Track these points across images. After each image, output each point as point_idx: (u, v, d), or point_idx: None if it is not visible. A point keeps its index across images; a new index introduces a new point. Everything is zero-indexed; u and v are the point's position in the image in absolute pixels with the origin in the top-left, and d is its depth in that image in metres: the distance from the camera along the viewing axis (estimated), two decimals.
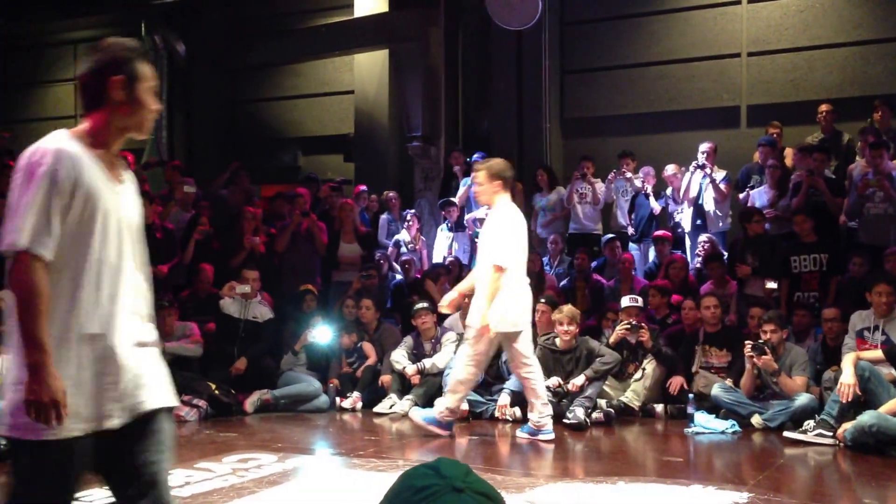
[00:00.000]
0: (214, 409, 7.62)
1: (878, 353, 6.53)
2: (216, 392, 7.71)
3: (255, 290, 8.48)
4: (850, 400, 6.24)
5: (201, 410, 7.53)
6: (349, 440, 6.97)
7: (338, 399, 8.14)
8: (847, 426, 6.12)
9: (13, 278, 2.46)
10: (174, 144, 14.56)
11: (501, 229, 6.38)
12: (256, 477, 5.32)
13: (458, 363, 6.73)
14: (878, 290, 6.97)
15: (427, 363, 7.96)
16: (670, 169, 10.12)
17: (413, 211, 10.92)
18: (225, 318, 8.38)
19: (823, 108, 9.86)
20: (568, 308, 7.52)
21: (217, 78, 14.53)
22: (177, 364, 7.88)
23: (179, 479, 5.23)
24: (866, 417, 6.01)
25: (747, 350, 7.03)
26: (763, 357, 6.92)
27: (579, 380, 7.24)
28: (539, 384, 6.57)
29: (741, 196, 9.76)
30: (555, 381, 7.31)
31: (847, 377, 6.23)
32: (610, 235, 10.01)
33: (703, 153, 9.63)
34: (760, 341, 7.01)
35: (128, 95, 2.62)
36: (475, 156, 10.97)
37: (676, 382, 7.56)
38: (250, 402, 7.87)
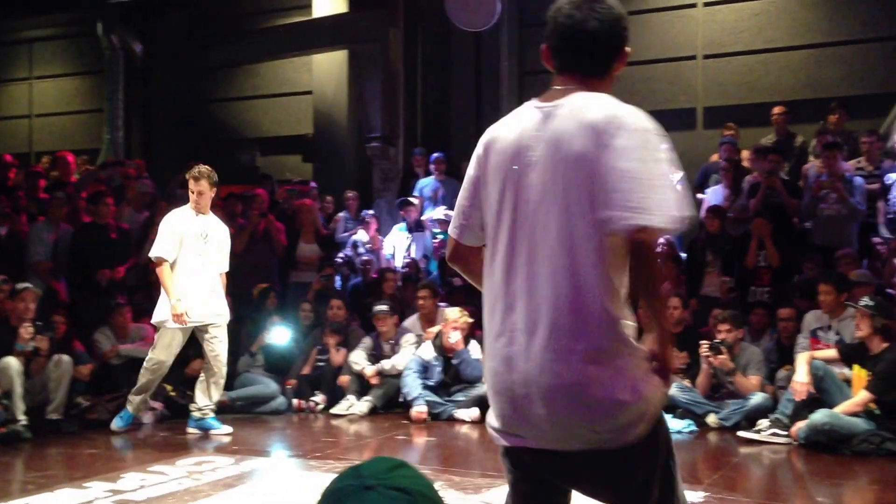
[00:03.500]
0: (170, 411, 7.54)
1: (831, 353, 6.63)
2: (172, 394, 7.62)
3: None
4: (804, 399, 6.32)
5: (157, 412, 7.44)
6: (306, 442, 6.91)
7: (295, 401, 8.06)
8: (801, 425, 6.21)
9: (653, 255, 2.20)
10: (131, 145, 14.38)
11: None
12: (212, 480, 5.26)
13: None
14: (821, 290, 7.13)
15: (386, 364, 7.93)
16: None
17: (371, 211, 10.88)
18: None
19: (777, 110, 9.99)
20: None
21: (175, 78, 14.37)
22: (132, 366, 7.79)
23: (133, 483, 5.16)
24: (819, 416, 6.10)
25: (704, 350, 7.11)
26: (719, 357, 6.99)
27: None
28: None
29: (699, 196, 9.83)
30: None
31: (801, 376, 6.32)
32: None
33: None
34: (716, 340, 7.08)
35: None
36: (433, 156, 10.99)
37: None
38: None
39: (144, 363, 6.80)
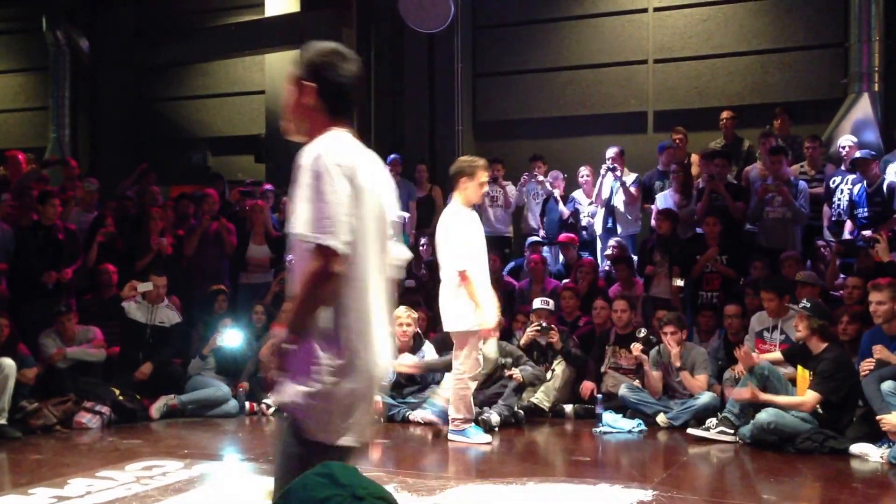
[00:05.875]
0: (118, 416, 7.42)
1: (777, 355, 6.82)
2: (120, 398, 7.51)
3: (162, 296, 8.28)
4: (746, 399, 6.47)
5: (104, 417, 7.31)
6: (258, 445, 6.86)
7: (248, 404, 8.00)
8: (747, 425, 6.36)
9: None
10: (78, 143, 14.13)
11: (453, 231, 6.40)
12: (161, 485, 5.20)
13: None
14: (764, 297, 7.35)
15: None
16: (583, 172, 10.28)
17: None
18: (130, 323, 8.15)
19: (725, 114, 10.16)
20: None
21: (123, 76, 14.16)
22: (79, 369, 7.67)
23: (80, 489, 5.09)
24: (765, 416, 6.23)
25: (637, 349, 7.30)
26: (635, 346, 7.33)
27: (516, 371, 7.37)
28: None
29: (649, 207, 9.92)
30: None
31: (742, 392, 6.45)
32: (534, 239, 10.06)
33: (609, 158, 9.78)
34: (643, 333, 7.31)
35: None
36: (389, 157, 10.98)
37: (587, 388, 7.72)
38: (156, 408, 7.69)
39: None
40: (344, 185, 2.55)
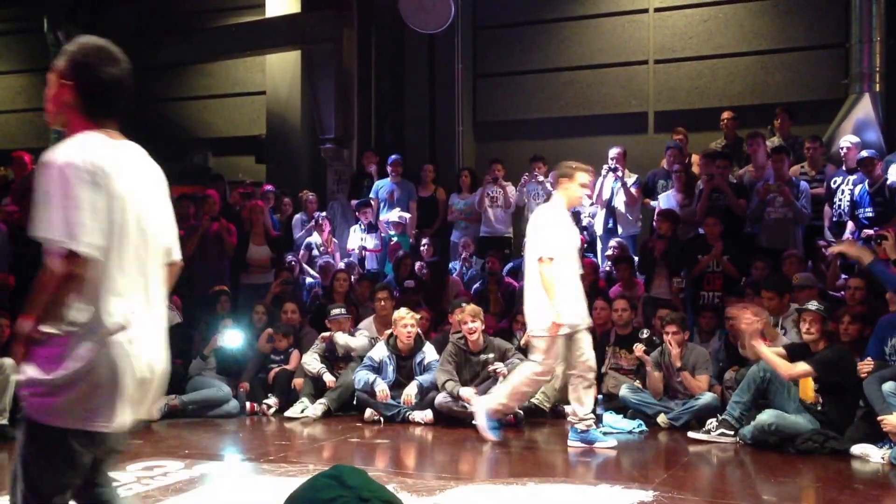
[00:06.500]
0: None
1: (779, 350, 6.78)
2: None
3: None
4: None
5: None
6: (259, 445, 6.87)
7: (248, 404, 8.01)
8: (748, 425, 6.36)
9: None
10: None
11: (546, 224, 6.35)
12: (162, 485, 5.20)
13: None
14: (765, 296, 7.36)
15: (340, 339, 8.00)
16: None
17: (324, 214, 10.85)
18: None
19: (726, 115, 10.16)
20: (470, 307, 7.58)
21: None
22: None
23: None
24: (765, 416, 6.23)
25: (639, 350, 7.32)
26: (637, 346, 7.31)
27: (500, 366, 7.37)
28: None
29: (651, 204, 9.95)
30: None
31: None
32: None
33: (612, 158, 9.80)
34: (645, 333, 7.31)
35: None
36: (390, 158, 10.99)
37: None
38: (157, 408, 7.69)
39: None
40: (87, 189, 2.55)
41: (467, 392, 7.15)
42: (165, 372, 2.81)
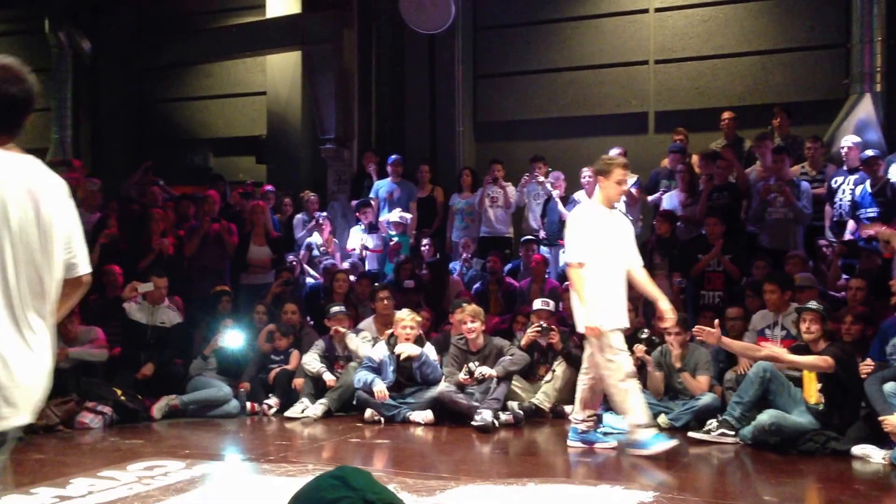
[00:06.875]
0: (120, 416, 7.43)
1: (782, 350, 6.75)
2: (122, 398, 7.51)
3: (163, 296, 8.30)
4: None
5: (106, 417, 7.32)
6: (259, 445, 6.87)
7: (249, 404, 8.01)
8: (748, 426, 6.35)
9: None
10: (80, 144, 14.15)
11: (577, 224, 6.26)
12: (163, 485, 5.20)
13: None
14: (767, 289, 7.36)
15: (352, 343, 8.00)
16: (585, 173, 10.28)
17: (325, 214, 10.85)
18: (131, 324, 8.17)
19: (726, 115, 10.17)
20: (471, 307, 7.58)
21: (124, 77, 14.18)
22: (81, 370, 7.69)
23: (82, 489, 5.09)
24: (765, 417, 6.22)
25: (640, 350, 7.31)
26: (638, 346, 7.25)
27: (485, 369, 7.35)
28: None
29: (650, 199, 9.96)
30: (464, 374, 7.42)
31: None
32: (526, 238, 10.09)
33: None
34: (646, 334, 7.29)
35: None
36: (390, 158, 10.99)
37: None
38: (158, 408, 7.70)
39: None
40: None
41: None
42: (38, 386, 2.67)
